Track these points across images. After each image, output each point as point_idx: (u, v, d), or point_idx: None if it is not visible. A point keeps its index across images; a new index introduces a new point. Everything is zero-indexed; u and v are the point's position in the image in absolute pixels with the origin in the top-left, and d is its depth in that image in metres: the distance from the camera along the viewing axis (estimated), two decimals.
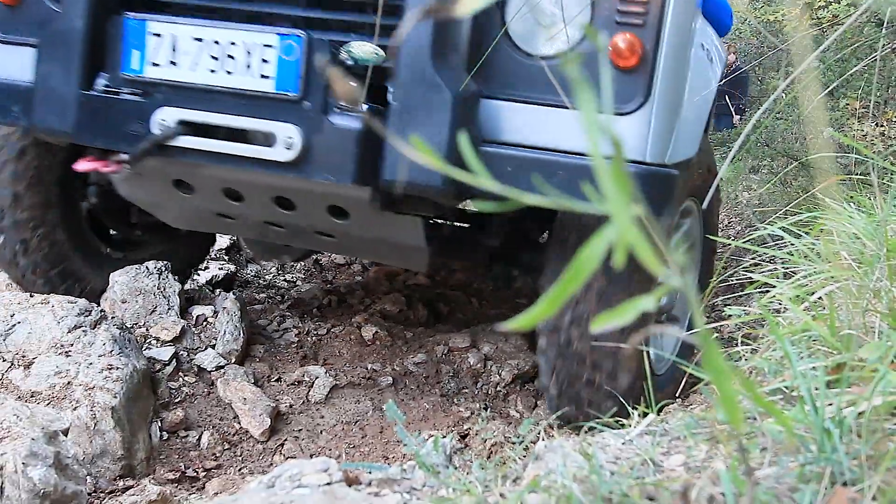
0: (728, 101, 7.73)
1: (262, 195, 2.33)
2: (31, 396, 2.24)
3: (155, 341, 2.82)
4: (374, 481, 1.27)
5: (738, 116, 9.09)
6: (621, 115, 1.92)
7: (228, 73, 2.07)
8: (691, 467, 1.06)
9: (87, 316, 2.52)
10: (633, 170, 1.87)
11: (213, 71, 2.08)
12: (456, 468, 1.38)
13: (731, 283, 4.29)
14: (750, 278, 1.96)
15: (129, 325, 2.77)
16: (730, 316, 1.57)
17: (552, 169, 1.92)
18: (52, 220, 2.85)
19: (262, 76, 2.04)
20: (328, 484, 1.18)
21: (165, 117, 2.09)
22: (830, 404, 0.98)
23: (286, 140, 2.00)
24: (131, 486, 2.15)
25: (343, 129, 1.97)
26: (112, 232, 3.27)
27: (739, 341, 1.72)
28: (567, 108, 1.93)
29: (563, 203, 0.47)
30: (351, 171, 1.96)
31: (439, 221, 2.73)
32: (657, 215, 1.86)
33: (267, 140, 2.05)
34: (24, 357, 2.36)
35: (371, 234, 2.40)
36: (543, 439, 1.35)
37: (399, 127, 1.94)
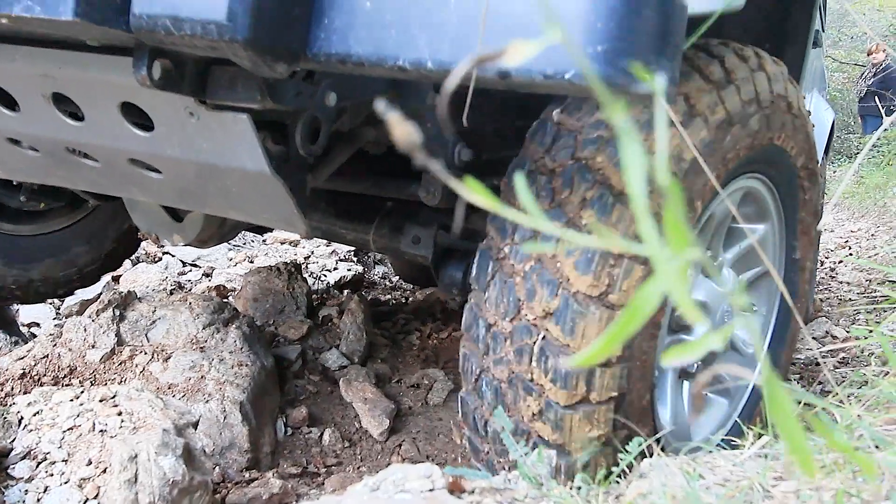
0: (878, 101, 7.29)
1: (32, 89, 1.64)
2: (169, 388, 2.38)
3: (283, 340, 2.94)
4: (476, 489, 1.28)
5: (889, 118, 8.56)
6: None
7: None
8: (802, 496, 1.02)
9: (220, 314, 2.66)
10: None
11: None
12: (561, 480, 1.37)
13: (874, 297, 4.04)
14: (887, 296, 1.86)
15: (259, 324, 2.90)
16: (856, 337, 1.48)
17: None
18: None
19: None
20: (430, 490, 1.20)
21: None
22: None
23: None
24: (256, 479, 2.25)
25: None
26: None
27: (872, 363, 1.63)
28: None
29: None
30: None
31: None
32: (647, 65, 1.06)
33: None
34: (163, 351, 2.51)
35: (192, 153, 1.63)
36: (651, 456, 1.32)
37: None
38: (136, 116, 1.59)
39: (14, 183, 2.63)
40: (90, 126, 1.66)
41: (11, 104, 1.69)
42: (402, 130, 0.41)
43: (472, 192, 0.43)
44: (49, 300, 3.50)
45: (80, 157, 1.85)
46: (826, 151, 4.30)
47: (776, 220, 2.12)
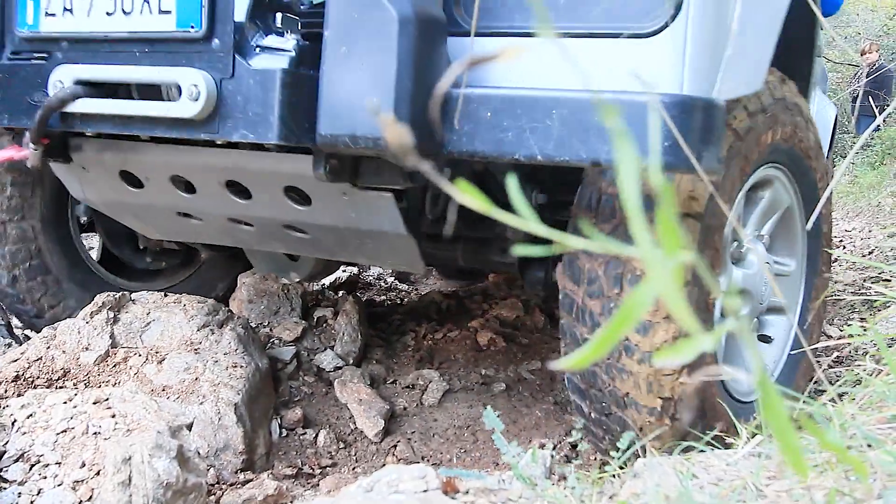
0: (871, 101, 7.30)
1: (210, 179, 2.02)
2: (163, 390, 2.38)
3: (278, 341, 2.94)
4: (471, 490, 1.28)
5: (882, 115, 8.58)
6: (642, 36, 1.52)
7: (126, 13, 1.73)
8: (794, 495, 1.02)
9: (214, 315, 2.65)
10: (664, 100, 1.47)
11: (109, 14, 1.75)
12: (555, 481, 1.38)
13: (869, 296, 4.05)
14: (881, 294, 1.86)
15: (253, 325, 2.90)
16: (851, 335, 1.48)
17: (544, 109, 1.51)
18: (40, 251, 2.76)
19: (162, 11, 1.69)
20: (424, 491, 1.20)
21: (62, 77, 1.76)
22: None
23: (191, 89, 1.61)
24: (251, 480, 2.24)
25: (262, 73, 1.59)
26: (121, 259, 3.09)
27: (866, 362, 1.64)
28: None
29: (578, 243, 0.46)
30: (275, 125, 1.57)
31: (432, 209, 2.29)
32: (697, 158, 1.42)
33: (172, 93, 1.70)
34: (157, 353, 2.51)
35: (341, 221, 2.04)
36: (645, 455, 1.32)
37: (336, 64, 1.55)
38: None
39: (140, 246, 3.04)
40: (256, 204, 2.06)
41: (190, 189, 2.09)
42: (394, 132, 0.42)
43: (464, 193, 0.43)
44: None
45: (238, 224, 2.26)
46: (830, 146, 4.31)
47: (801, 258, 2.36)
